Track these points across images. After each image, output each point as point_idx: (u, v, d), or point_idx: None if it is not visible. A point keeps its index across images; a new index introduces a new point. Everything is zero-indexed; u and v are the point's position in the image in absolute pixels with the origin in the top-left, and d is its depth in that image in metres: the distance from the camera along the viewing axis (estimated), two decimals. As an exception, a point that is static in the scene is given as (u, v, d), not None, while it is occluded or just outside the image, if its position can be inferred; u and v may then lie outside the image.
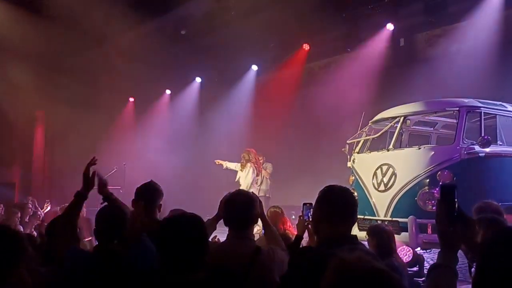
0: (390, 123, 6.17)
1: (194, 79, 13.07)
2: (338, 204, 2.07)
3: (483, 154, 5.32)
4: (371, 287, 1.01)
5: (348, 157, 6.63)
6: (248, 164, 8.57)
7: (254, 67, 12.02)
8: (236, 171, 8.90)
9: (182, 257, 1.74)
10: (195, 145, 12.61)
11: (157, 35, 10.47)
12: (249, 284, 2.13)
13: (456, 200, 1.57)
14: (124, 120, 14.04)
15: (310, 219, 2.64)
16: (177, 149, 12.32)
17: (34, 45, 10.11)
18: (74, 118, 12.08)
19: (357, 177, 6.26)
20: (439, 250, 1.60)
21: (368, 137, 6.49)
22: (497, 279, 1.11)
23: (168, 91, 13.76)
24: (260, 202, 2.64)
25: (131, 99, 14.22)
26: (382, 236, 3.66)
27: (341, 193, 2.11)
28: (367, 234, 3.75)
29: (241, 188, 8.23)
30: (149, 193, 2.97)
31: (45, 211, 8.92)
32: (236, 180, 8.73)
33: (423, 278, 4.75)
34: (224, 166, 9.03)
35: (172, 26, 10.99)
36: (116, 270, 2.17)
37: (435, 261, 1.61)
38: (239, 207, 2.41)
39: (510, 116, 5.87)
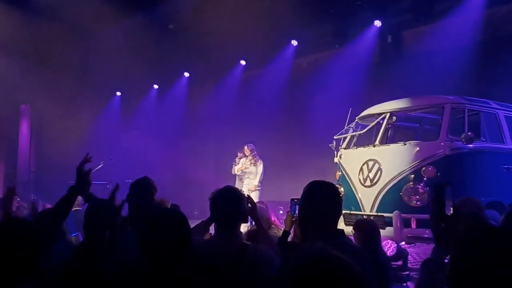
0: (377, 119, 6.24)
1: (182, 73, 13.01)
2: (323, 199, 2.09)
3: (467, 150, 5.42)
4: (324, 274, 1.04)
5: (335, 152, 6.69)
6: (259, 161, 8.62)
7: (243, 62, 12.02)
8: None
9: (161, 254, 1.75)
10: (183, 140, 12.58)
11: (145, 29, 10.39)
12: (236, 281, 2.14)
13: (449, 197, 1.61)
14: (111, 114, 13.94)
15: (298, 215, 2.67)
16: (165, 144, 12.30)
17: (19, 38, 9.97)
18: (60, 112, 11.95)
19: (343, 172, 6.33)
20: (433, 245, 1.65)
21: (355, 133, 6.56)
22: (468, 274, 1.15)
23: (155, 86, 13.68)
24: (254, 204, 2.65)
25: (118, 94, 14.11)
26: (367, 230, 3.72)
27: (325, 188, 2.14)
28: (353, 228, 3.81)
29: (251, 181, 8.53)
30: (143, 188, 2.98)
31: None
32: (243, 173, 8.72)
33: (407, 272, 4.84)
34: (238, 170, 8.87)
35: (159, 20, 10.91)
36: (102, 265, 2.18)
37: (427, 256, 1.67)
38: (226, 204, 2.40)
39: (494, 113, 5.97)
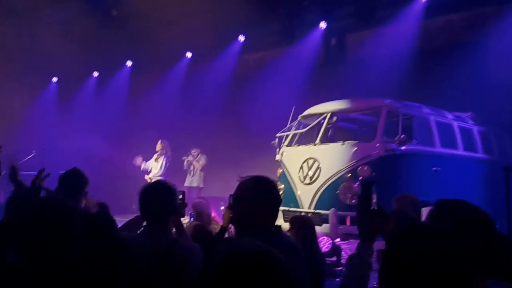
0: (318, 118, 6.40)
1: (125, 62, 12.56)
2: (260, 194, 2.04)
3: (400, 152, 5.72)
4: (251, 267, 1.07)
5: (277, 150, 6.79)
6: (163, 156, 9.01)
7: (189, 54, 11.83)
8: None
9: (36, 251, 1.62)
10: (123, 131, 12.17)
11: (86, 14, 9.92)
12: (163, 278, 2.10)
13: (374, 195, 1.68)
14: (47, 101, 13.18)
15: None
16: (104, 134, 11.82)
17: None
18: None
19: (284, 170, 6.44)
20: (358, 241, 1.71)
21: (297, 131, 6.69)
22: (399, 266, 1.23)
23: (95, 73, 13.10)
24: (183, 204, 2.57)
25: (54, 79, 13.37)
26: (303, 227, 3.79)
27: (263, 184, 2.09)
28: (289, 225, 3.88)
29: (150, 175, 8.88)
30: (73, 181, 2.85)
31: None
32: (144, 169, 9.09)
33: (341, 268, 5.03)
34: (142, 167, 9.19)
35: (102, 6, 10.46)
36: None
37: (353, 252, 1.73)
38: (154, 199, 2.33)
39: (426, 118, 6.35)
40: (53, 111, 12.85)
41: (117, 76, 12.75)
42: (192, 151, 9.90)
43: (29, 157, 9.33)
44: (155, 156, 9.09)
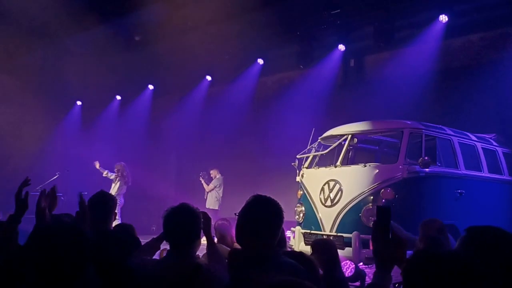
0: (338, 140, 6.37)
1: (147, 86, 12.84)
2: (263, 215, 2.04)
3: (423, 174, 5.62)
4: None
5: (297, 171, 6.76)
6: (120, 182, 9.39)
7: (208, 78, 12.02)
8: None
9: (51, 270, 1.65)
10: (144, 153, 12.33)
11: (110, 39, 10.20)
12: None
13: (390, 221, 1.63)
14: (71, 124, 13.51)
15: None
16: (126, 156, 11.99)
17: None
18: (16, 120, 11.47)
19: (305, 191, 6.39)
20: (375, 269, 1.67)
21: (317, 153, 6.66)
22: None
23: (118, 97, 13.41)
24: (207, 218, 2.61)
25: (79, 103, 13.73)
26: (325, 250, 3.73)
27: (266, 203, 2.08)
28: (311, 248, 3.83)
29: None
30: (103, 203, 2.90)
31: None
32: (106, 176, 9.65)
33: (364, 293, 4.91)
34: (104, 174, 9.72)
35: (126, 31, 10.77)
36: None
37: (372, 280, 1.69)
38: (179, 223, 2.33)
39: (449, 139, 6.25)
40: (76, 133, 13.14)
41: (139, 100, 13.02)
42: (210, 172, 10.14)
43: (52, 178, 9.52)
44: (113, 177, 9.51)
